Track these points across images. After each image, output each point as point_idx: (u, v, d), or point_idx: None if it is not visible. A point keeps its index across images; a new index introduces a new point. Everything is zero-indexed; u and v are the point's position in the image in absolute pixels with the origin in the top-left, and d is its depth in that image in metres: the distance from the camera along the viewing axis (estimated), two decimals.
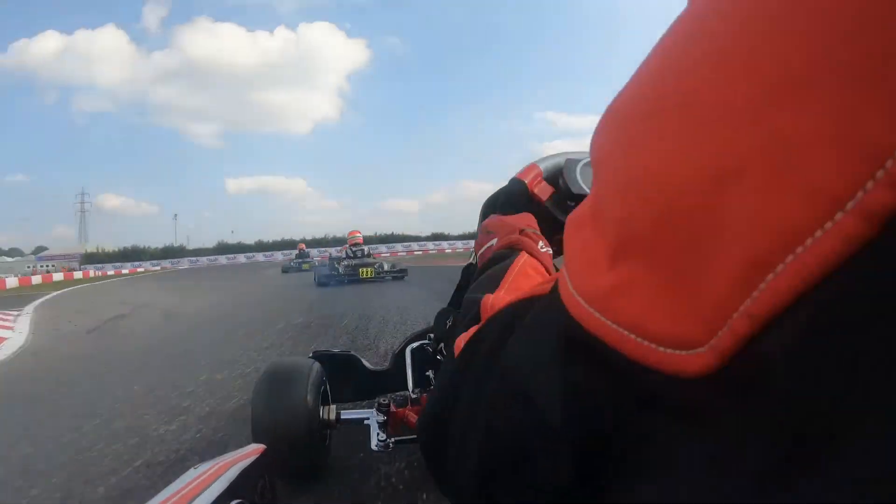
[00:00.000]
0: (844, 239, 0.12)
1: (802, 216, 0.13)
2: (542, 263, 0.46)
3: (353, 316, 3.97)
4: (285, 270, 13.91)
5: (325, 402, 1.14)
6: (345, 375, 1.38)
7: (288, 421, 1.00)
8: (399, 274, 7.85)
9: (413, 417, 1.09)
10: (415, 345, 1.32)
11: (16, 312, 5.70)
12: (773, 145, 0.14)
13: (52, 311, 6.11)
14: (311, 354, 1.36)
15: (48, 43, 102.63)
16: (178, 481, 0.42)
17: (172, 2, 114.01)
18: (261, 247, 45.78)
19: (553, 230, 0.61)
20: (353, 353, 1.48)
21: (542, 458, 0.21)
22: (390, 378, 1.43)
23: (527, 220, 0.58)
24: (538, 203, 0.78)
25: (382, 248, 30.07)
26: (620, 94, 0.19)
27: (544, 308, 0.23)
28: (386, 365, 1.48)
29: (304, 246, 16.91)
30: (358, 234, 9.13)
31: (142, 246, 45.12)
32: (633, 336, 0.17)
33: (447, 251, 31.46)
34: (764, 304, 0.14)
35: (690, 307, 0.15)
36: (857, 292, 0.12)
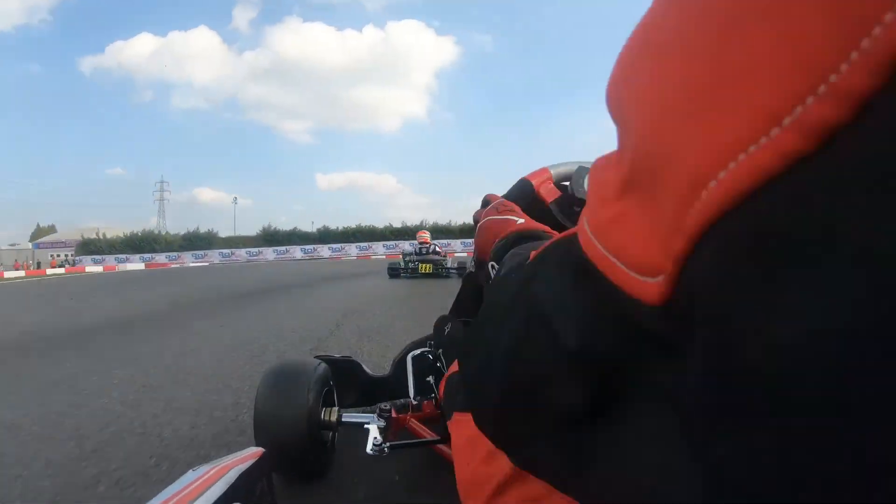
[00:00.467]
0: (779, 154, 0.12)
1: (740, 133, 0.13)
2: None
3: None
4: (393, 274, 8.80)
5: (328, 405, 1.14)
6: (345, 381, 1.39)
7: (288, 424, 1.00)
8: (460, 270, 8.25)
9: (414, 424, 1.09)
10: (416, 352, 1.32)
11: None
12: (722, 70, 0.14)
13: None
14: (313, 358, 1.36)
15: (143, 44, 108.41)
16: (176, 483, 0.42)
17: (262, 3, 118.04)
18: (327, 236, 35.66)
19: (553, 229, 0.62)
20: (353, 358, 1.48)
21: (555, 380, 0.22)
22: (390, 384, 1.43)
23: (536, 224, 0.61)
24: (542, 203, 0.79)
25: (458, 244, 29.35)
26: (628, 40, 0.20)
27: (568, 243, 0.25)
28: (386, 371, 1.48)
29: (426, 236, 9.99)
30: (425, 234, 10.03)
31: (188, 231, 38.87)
32: (617, 262, 0.18)
33: None
34: (695, 220, 0.14)
35: (653, 232, 0.16)
36: (785, 212, 0.12)
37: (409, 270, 8.59)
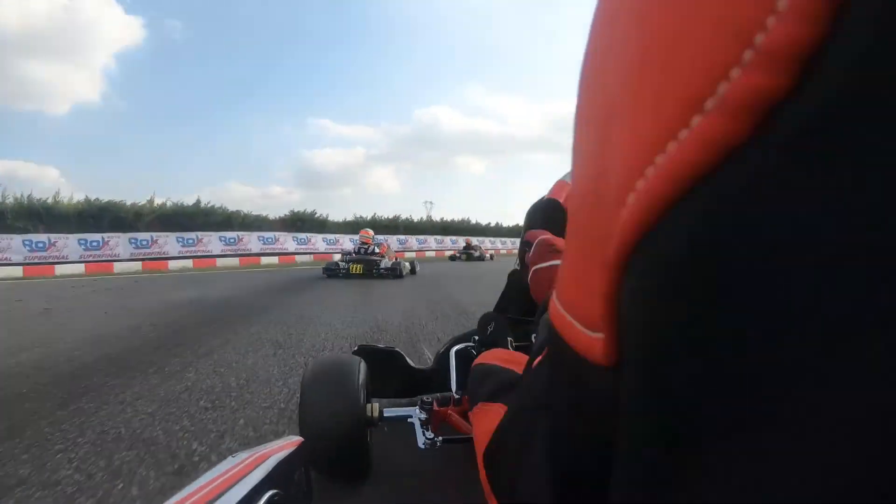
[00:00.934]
0: (705, 145, 0.10)
1: (657, 130, 0.11)
2: None
3: None
4: (330, 274, 8.39)
5: (369, 399, 1.15)
6: (388, 371, 1.40)
7: (332, 416, 1.02)
8: (392, 270, 8.09)
9: (455, 418, 1.08)
10: (459, 346, 1.31)
11: None
12: (634, 68, 0.12)
13: None
14: (355, 348, 1.38)
15: None
16: (216, 468, 0.43)
17: None
18: None
19: None
20: (396, 349, 1.49)
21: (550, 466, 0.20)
22: (433, 378, 1.42)
23: None
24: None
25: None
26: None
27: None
28: (429, 364, 1.48)
29: (368, 235, 9.58)
30: (367, 233, 9.67)
31: None
32: (570, 318, 0.16)
33: None
34: (614, 248, 0.12)
35: (590, 274, 0.14)
36: (713, 226, 0.10)
37: (342, 271, 8.25)
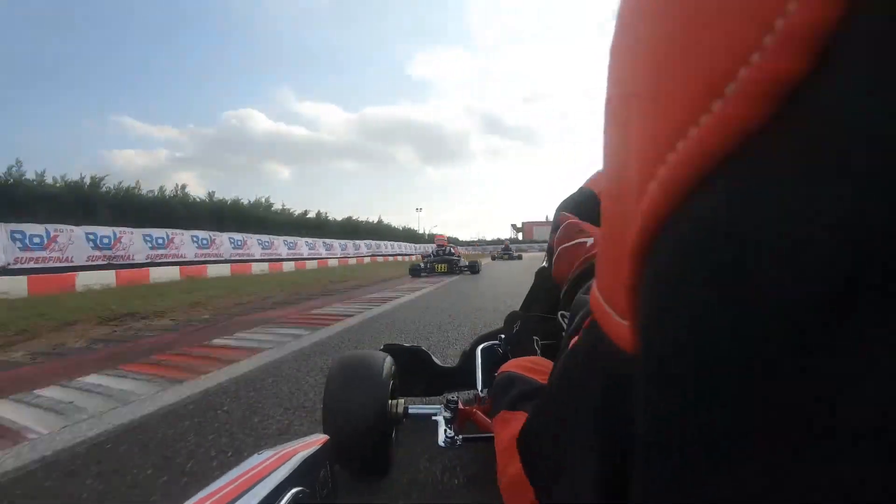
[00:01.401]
0: (725, 131, 0.10)
1: (678, 116, 0.11)
2: None
3: None
4: (415, 273, 10.38)
5: (394, 396, 1.15)
6: (413, 369, 1.40)
7: (357, 413, 1.02)
8: (472, 267, 10.45)
9: (481, 417, 1.07)
10: (485, 345, 1.30)
11: None
12: (657, 54, 0.12)
13: None
14: (381, 347, 1.39)
15: None
16: (241, 465, 0.43)
17: None
18: None
19: None
20: (422, 348, 1.49)
21: (588, 455, 0.20)
22: (458, 376, 1.42)
23: None
24: None
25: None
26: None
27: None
28: (455, 363, 1.47)
29: (444, 239, 12.34)
30: (442, 238, 12.27)
31: None
32: (606, 307, 0.17)
33: None
34: (634, 236, 0.12)
35: (619, 262, 0.15)
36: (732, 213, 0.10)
37: (428, 269, 10.25)
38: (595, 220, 0.65)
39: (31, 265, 9.77)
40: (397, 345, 1.47)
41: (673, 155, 0.11)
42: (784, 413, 0.09)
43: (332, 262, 19.26)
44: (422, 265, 10.50)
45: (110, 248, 12.13)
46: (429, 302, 4.87)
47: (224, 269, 12.95)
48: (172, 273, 11.29)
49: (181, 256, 13.87)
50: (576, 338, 0.28)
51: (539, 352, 0.98)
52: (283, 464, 0.45)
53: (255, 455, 0.46)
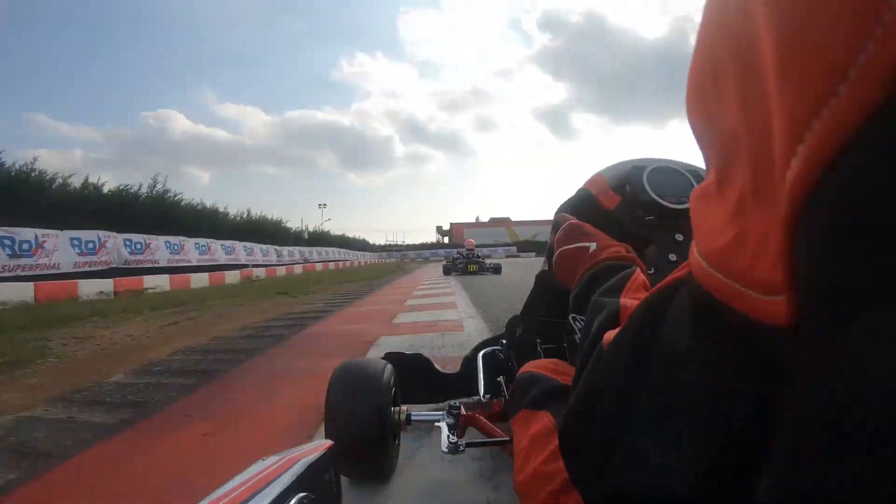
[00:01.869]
0: (855, 110, 0.11)
1: (808, 99, 0.12)
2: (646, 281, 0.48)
3: None
4: (446, 271, 12.84)
5: (396, 404, 1.15)
6: (415, 377, 1.39)
7: (360, 419, 1.01)
8: (495, 268, 12.46)
9: (483, 422, 1.07)
10: (486, 350, 1.30)
11: None
12: (784, 40, 0.13)
13: None
14: (383, 356, 1.38)
15: None
16: (245, 472, 0.43)
17: None
18: None
19: (620, 238, 0.60)
20: (423, 355, 1.48)
21: (690, 436, 0.20)
22: (460, 382, 1.41)
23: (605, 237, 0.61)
24: (606, 211, 0.77)
25: None
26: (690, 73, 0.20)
27: (673, 288, 0.24)
28: (456, 369, 1.47)
29: (472, 243, 14.35)
30: (471, 242, 14.30)
31: None
32: (740, 287, 0.17)
33: None
34: (785, 210, 0.13)
35: (764, 242, 0.15)
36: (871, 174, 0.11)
37: (460, 269, 12.34)
38: (593, 220, 0.65)
39: None
40: (398, 353, 1.46)
41: (818, 122, 0.12)
42: None
43: (281, 271, 17.07)
44: (452, 264, 12.84)
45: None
46: None
47: (163, 281, 10.58)
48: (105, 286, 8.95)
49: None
50: (611, 333, 0.28)
51: (542, 355, 0.98)
52: (288, 469, 0.44)
53: (260, 461, 0.46)
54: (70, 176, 13.34)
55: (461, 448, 0.98)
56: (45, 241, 9.72)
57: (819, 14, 0.11)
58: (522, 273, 10.20)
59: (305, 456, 0.48)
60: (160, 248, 13.09)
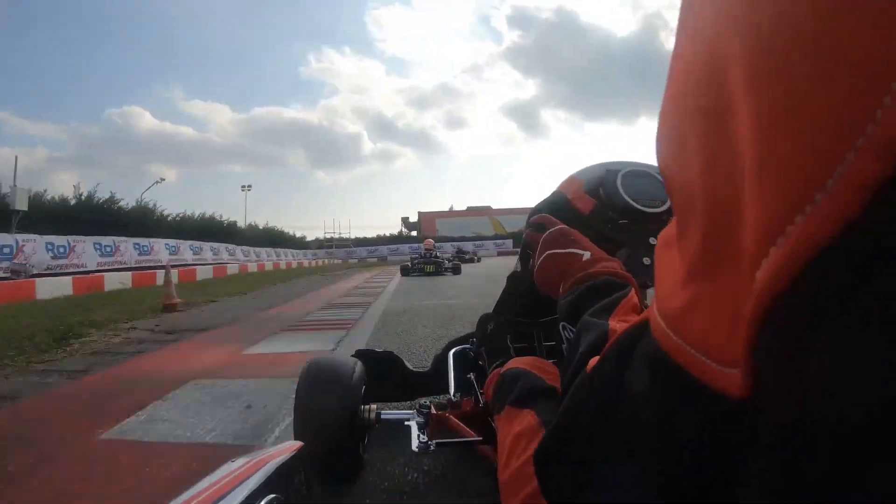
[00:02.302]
0: (831, 220, 0.11)
1: (791, 196, 0.12)
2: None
3: None
4: (405, 273, 11.94)
5: (366, 402, 1.14)
6: (386, 375, 1.39)
7: (329, 419, 1.00)
8: (454, 269, 11.92)
9: (453, 421, 1.08)
10: (457, 349, 1.30)
11: None
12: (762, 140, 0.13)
13: None
14: (353, 353, 1.37)
15: None
16: (214, 474, 0.42)
17: None
18: None
19: (595, 241, 0.60)
20: (394, 353, 1.48)
21: (651, 478, 0.20)
22: (431, 380, 1.42)
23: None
24: (580, 214, 0.76)
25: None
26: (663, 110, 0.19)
27: (639, 333, 0.24)
28: (427, 367, 1.47)
29: (430, 244, 13.50)
30: (430, 242, 13.60)
31: None
32: (695, 353, 0.17)
33: None
34: (755, 300, 0.13)
35: (725, 315, 0.15)
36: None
37: (417, 269, 11.64)
38: (568, 224, 0.65)
39: None
40: (369, 350, 1.45)
41: (782, 238, 0.12)
42: None
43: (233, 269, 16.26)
44: (410, 265, 12.06)
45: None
46: None
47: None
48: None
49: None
50: (595, 359, 0.28)
51: (513, 354, 0.99)
52: (257, 471, 0.44)
53: (229, 462, 0.45)
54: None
55: (431, 447, 0.98)
56: (75, 246, 12.32)
57: (805, 120, 0.12)
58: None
59: (275, 457, 0.48)
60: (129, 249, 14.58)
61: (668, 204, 0.70)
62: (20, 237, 10.91)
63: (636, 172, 0.77)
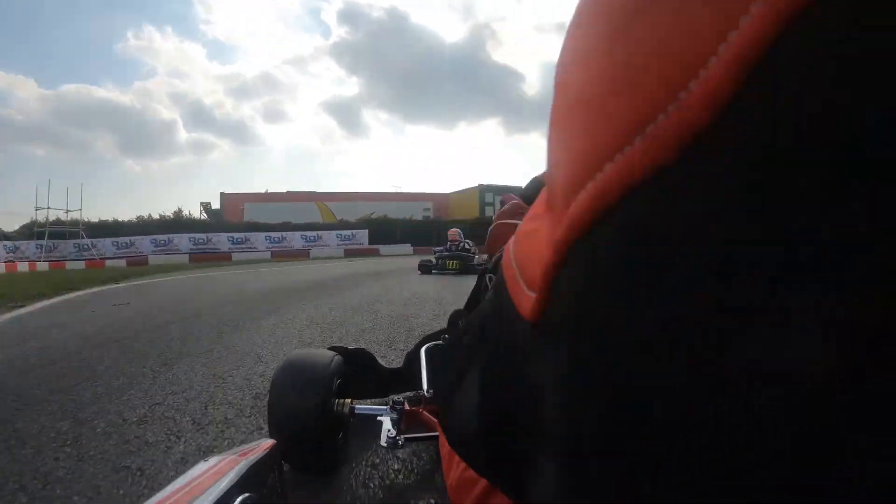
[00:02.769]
0: (642, 165, 0.12)
1: (605, 141, 0.13)
2: None
3: None
4: (424, 270, 8.82)
5: (340, 396, 1.15)
6: (359, 372, 1.39)
7: (302, 413, 1.01)
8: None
9: (426, 416, 1.09)
10: (429, 345, 1.32)
11: None
12: (597, 77, 0.14)
13: None
14: (327, 348, 1.37)
15: None
16: (187, 474, 0.42)
17: None
18: None
19: None
20: (367, 350, 1.48)
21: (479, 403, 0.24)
22: (404, 377, 1.43)
23: None
24: None
25: None
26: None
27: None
28: (399, 364, 1.48)
29: (455, 234, 9.74)
30: (454, 233, 9.80)
31: None
32: (517, 274, 0.19)
33: None
34: (561, 233, 0.14)
35: (542, 246, 0.16)
36: (648, 220, 0.12)
37: (438, 267, 8.66)
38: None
39: None
40: (341, 347, 1.45)
41: (601, 173, 0.13)
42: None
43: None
44: (433, 261, 8.96)
45: None
46: None
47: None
48: None
49: None
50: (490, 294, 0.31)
51: None
52: (231, 470, 0.44)
53: (202, 462, 0.45)
54: None
55: (400, 442, 1.00)
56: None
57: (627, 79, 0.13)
58: None
59: (248, 456, 0.48)
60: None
61: None
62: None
63: None
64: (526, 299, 0.17)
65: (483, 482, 0.33)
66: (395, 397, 1.10)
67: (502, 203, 0.71)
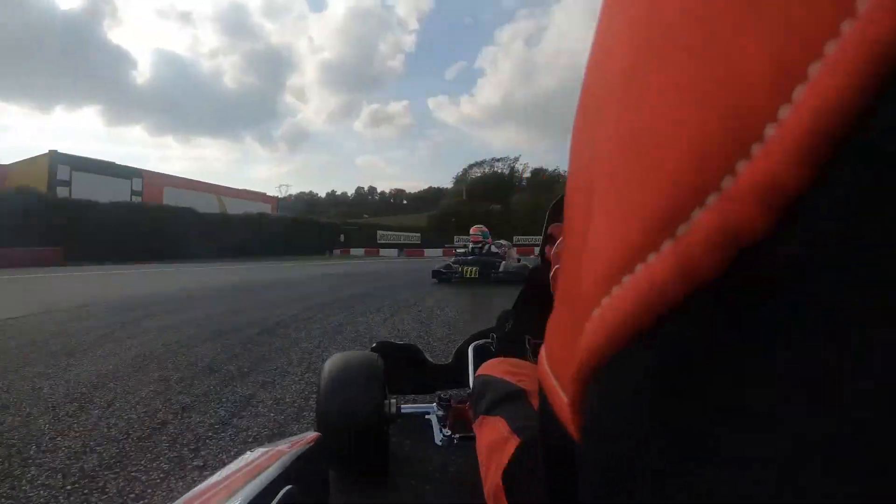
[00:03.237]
0: (680, 275, 0.10)
1: (634, 240, 0.11)
2: None
3: None
4: (443, 279, 6.97)
5: (386, 396, 1.15)
6: (406, 367, 1.39)
7: (352, 416, 1.01)
8: (517, 274, 6.46)
9: (472, 415, 1.07)
10: (477, 343, 1.30)
11: None
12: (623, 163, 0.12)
13: None
14: (373, 345, 1.38)
15: None
16: (233, 464, 0.43)
17: None
18: None
19: None
20: (415, 345, 1.48)
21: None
22: (451, 374, 1.42)
23: None
24: None
25: None
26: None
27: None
28: (448, 360, 1.47)
29: (477, 233, 7.65)
30: (476, 231, 7.83)
31: None
32: (551, 376, 0.16)
33: None
34: (586, 348, 0.12)
35: (566, 346, 0.15)
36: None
37: (455, 275, 6.94)
38: None
39: None
40: (389, 342, 1.46)
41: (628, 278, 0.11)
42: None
43: None
44: (452, 266, 7.17)
45: None
46: None
47: None
48: None
49: None
50: None
51: (529, 350, 0.98)
52: (275, 462, 0.45)
53: (248, 453, 0.46)
54: None
55: (455, 441, 0.98)
56: None
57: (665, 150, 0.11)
58: None
59: (293, 448, 0.48)
60: None
61: None
62: None
63: None
64: (560, 400, 0.15)
65: None
66: (442, 394, 1.09)
67: (551, 237, 0.68)
